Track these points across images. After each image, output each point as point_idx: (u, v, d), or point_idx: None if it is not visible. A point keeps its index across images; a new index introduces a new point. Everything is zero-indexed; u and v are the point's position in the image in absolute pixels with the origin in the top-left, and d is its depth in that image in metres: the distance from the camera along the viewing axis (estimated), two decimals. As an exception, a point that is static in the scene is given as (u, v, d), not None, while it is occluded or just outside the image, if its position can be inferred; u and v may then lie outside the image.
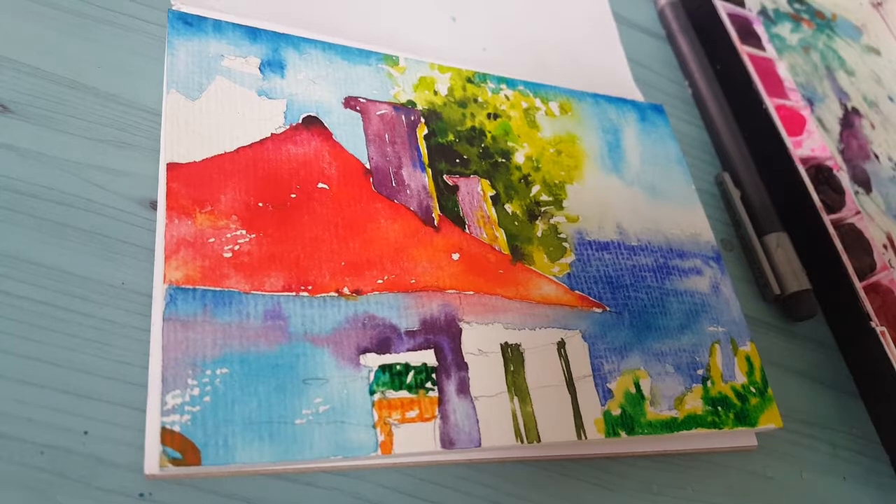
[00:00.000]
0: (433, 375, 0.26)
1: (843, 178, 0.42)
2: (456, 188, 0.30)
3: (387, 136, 0.30)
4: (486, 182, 0.31)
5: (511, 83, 0.35)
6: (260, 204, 0.26)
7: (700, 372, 0.31)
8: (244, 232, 0.25)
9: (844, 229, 0.40)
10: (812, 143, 0.43)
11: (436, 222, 0.29)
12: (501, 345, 0.27)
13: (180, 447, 0.21)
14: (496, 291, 0.29)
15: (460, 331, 0.27)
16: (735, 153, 0.42)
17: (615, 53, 0.43)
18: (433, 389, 0.25)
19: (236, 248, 0.25)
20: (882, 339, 0.36)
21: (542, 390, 0.27)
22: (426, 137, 0.31)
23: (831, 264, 0.39)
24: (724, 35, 0.45)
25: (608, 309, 0.31)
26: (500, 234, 0.30)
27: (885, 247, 0.44)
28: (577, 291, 0.30)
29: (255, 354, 0.23)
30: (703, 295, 0.34)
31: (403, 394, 0.25)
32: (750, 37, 0.46)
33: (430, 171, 0.30)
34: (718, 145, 0.43)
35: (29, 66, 0.27)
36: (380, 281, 0.27)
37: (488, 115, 0.33)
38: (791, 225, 0.40)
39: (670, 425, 0.29)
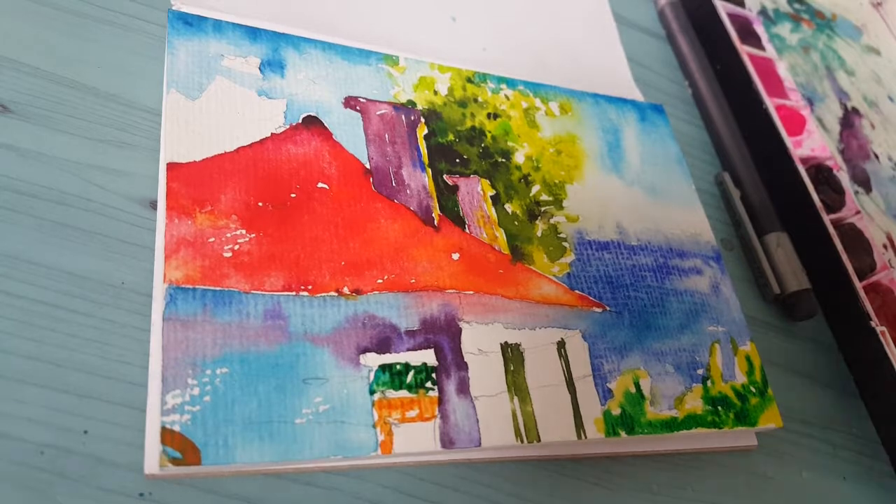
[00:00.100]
0: (433, 375, 0.26)
1: (843, 177, 0.42)
2: (456, 188, 0.30)
3: (387, 135, 0.30)
4: (486, 182, 0.31)
5: (511, 83, 0.35)
6: (260, 204, 0.26)
7: (700, 372, 0.31)
8: (244, 232, 0.25)
9: (844, 229, 0.40)
10: (812, 143, 0.43)
11: (436, 222, 0.29)
12: (501, 344, 0.27)
13: (180, 447, 0.21)
14: (496, 291, 0.29)
15: (460, 330, 0.27)
16: (735, 153, 0.42)
17: (615, 53, 0.43)
18: (433, 389, 0.25)
19: (236, 247, 0.25)
20: (882, 339, 0.36)
21: (542, 390, 0.27)
22: (426, 137, 0.31)
23: (831, 264, 0.39)
24: (724, 35, 0.45)
25: (608, 309, 0.31)
26: (500, 234, 0.30)
27: (885, 247, 0.44)
28: (577, 291, 0.30)
29: (255, 354, 0.23)
30: (703, 295, 0.34)
31: (403, 393, 0.25)
32: (750, 37, 0.46)
33: (430, 170, 0.30)
34: (718, 145, 0.43)
35: (29, 66, 0.27)
36: (380, 281, 0.27)
37: (488, 115, 0.33)
38: (791, 225, 0.40)
39: (670, 425, 0.29)
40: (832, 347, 0.40)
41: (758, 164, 0.42)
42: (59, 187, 0.25)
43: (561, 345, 0.29)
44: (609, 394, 0.28)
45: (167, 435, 0.21)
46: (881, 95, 0.54)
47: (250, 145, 0.27)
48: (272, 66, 0.29)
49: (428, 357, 0.26)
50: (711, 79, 0.44)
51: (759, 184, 0.41)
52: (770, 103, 0.42)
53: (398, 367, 0.25)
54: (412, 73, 0.33)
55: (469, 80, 0.34)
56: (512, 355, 0.27)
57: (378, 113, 0.31)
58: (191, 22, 0.29)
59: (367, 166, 0.29)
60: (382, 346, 0.25)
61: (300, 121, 0.29)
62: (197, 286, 0.23)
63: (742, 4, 0.49)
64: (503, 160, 0.32)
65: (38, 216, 0.24)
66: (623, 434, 0.28)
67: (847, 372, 0.39)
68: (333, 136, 0.29)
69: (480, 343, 0.27)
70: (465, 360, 0.26)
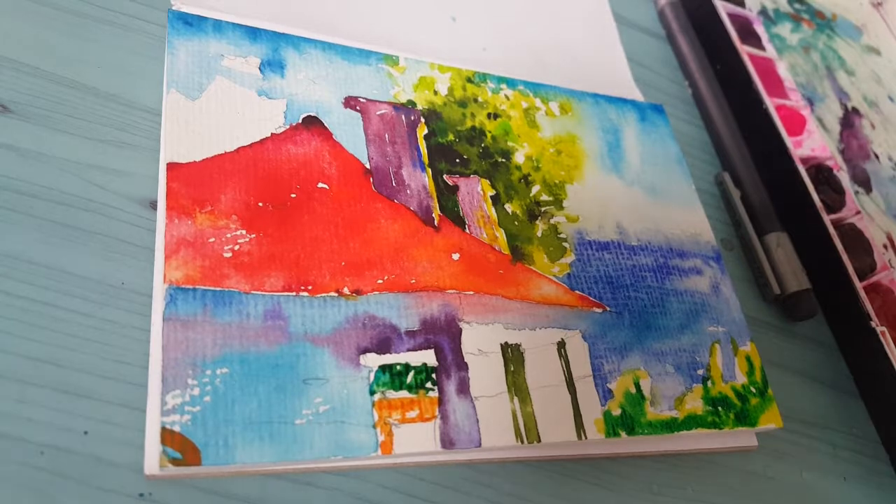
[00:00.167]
0: (433, 375, 0.26)
1: (843, 177, 0.42)
2: (456, 188, 0.30)
3: (387, 135, 0.30)
4: (486, 182, 0.31)
5: (511, 83, 0.35)
6: (260, 204, 0.26)
7: (700, 372, 0.31)
8: (244, 232, 0.25)
9: (844, 229, 0.40)
10: (812, 143, 0.43)
11: (436, 222, 0.29)
12: (501, 345, 0.27)
13: (180, 447, 0.21)
14: (496, 291, 0.29)
15: (460, 331, 0.27)
16: (735, 153, 0.42)
17: (615, 53, 0.43)
18: (433, 389, 0.25)
19: (236, 247, 0.25)
20: (882, 339, 0.36)
21: (542, 390, 0.27)
22: (426, 137, 0.31)
23: (831, 264, 0.39)
24: (724, 35, 0.45)
25: (608, 309, 0.31)
26: (500, 234, 0.30)
27: (885, 247, 0.44)
28: (577, 291, 0.30)
29: (255, 354, 0.23)
30: (703, 295, 0.34)
31: (403, 394, 0.25)
32: (750, 37, 0.46)
33: (430, 170, 0.30)
34: (718, 145, 0.43)
35: (29, 66, 0.27)
36: (380, 281, 0.27)
37: (488, 115, 0.33)
38: (791, 225, 0.40)
39: (670, 425, 0.29)
40: (832, 347, 0.40)
41: (758, 164, 0.42)
42: (59, 187, 0.25)
43: (561, 345, 0.29)
44: (609, 394, 0.28)
45: (167, 435, 0.21)
46: (881, 95, 0.54)
47: (250, 145, 0.27)
48: (272, 66, 0.29)
49: (428, 357, 0.26)
50: (711, 79, 0.44)
51: (759, 184, 0.41)
52: (770, 103, 0.42)
53: (398, 367, 0.25)
54: (412, 73, 0.33)
55: (469, 80, 0.34)
56: (512, 355, 0.27)
57: (378, 113, 0.31)
58: (191, 22, 0.29)
59: (367, 166, 0.29)
60: (382, 347, 0.25)
61: (300, 121, 0.29)
62: (197, 286, 0.23)
63: (742, 4, 0.49)
64: (503, 160, 0.32)
65: (38, 216, 0.24)
66: (623, 434, 0.28)
67: (847, 372, 0.39)
68: (333, 136, 0.29)
69: (480, 343, 0.27)
70: (466, 360, 0.26)
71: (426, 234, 0.29)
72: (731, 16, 0.46)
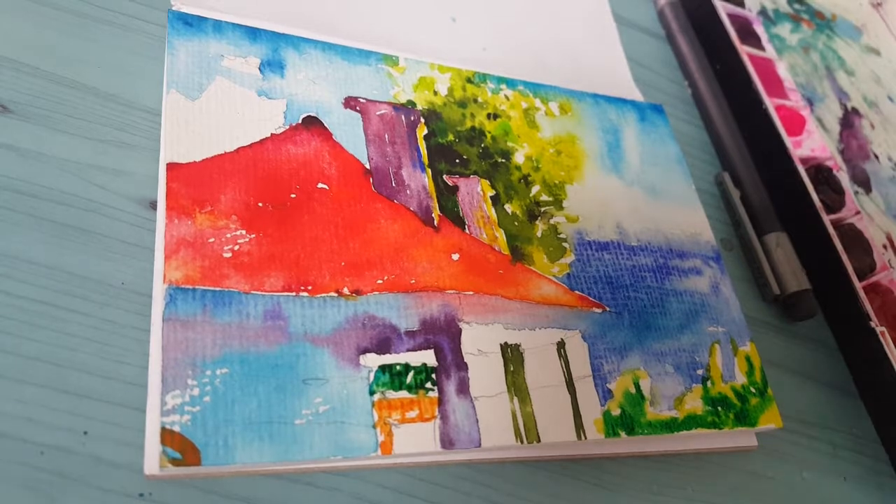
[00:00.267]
0: (433, 375, 0.26)
1: (843, 178, 0.42)
2: (456, 188, 0.30)
3: (387, 136, 0.30)
4: (485, 182, 0.31)
5: (511, 83, 0.35)
6: (260, 204, 0.26)
7: (700, 372, 0.31)
8: (244, 232, 0.25)
9: (844, 229, 0.40)
10: (812, 143, 0.43)
11: (436, 222, 0.29)
12: (501, 345, 0.27)
13: (180, 447, 0.21)
14: (496, 291, 0.29)
15: (460, 331, 0.27)
16: (735, 153, 0.42)
17: (615, 53, 0.43)
18: (433, 389, 0.25)
19: (236, 248, 0.25)
20: (882, 339, 0.36)
21: (541, 390, 0.27)
22: (426, 137, 0.31)
23: (831, 264, 0.39)
24: (723, 35, 0.45)
25: (608, 309, 0.31)
26: (500, 235, 0.30)
27: (884, 247, 0.44)
28: (576, 291, 0.30)
29: (254, 354, 0.23)
30: (702, 295, 0.34)
31: (403, 394, 0.25)
32: (750, 37, 0.46)
33: (429, 171, 0.30)
34: (718, 145, 0.43)
35: (29, 66, 0.27)
36: (380, 281, 0.27)
37: (488, 116, 0.33)
38: (791, 225, 0.40)
39: (670, 425, 0.29)
40: (832, 347, 0.40)
41: (758, 164, 0.42)
42: (59, 187, 0.25)
43: (561, 345, 0.29)
44: (609, 394, 0.28)
45: (167, 435, 0.21)
46: (881, 95, 0.54)
47: (250, 145, 0.27)
48: (272, 66, 0.29)
49: (428, 357, 0.26)
50: (711, 79, 0.44)
51: (759, 184, 0.41)
52: (770, 103, 0.42)
53: (398, 367, 0.25)
54: (412, 74, 0.33)
55: (469, 81, 0.34)
56: (512, 356, 0.27)
57: (378, 113, 0.31)
58: (191, 22, 0.29)
59: (367, 166, 0.29)
60: (382, 347, 0.25)
61: (300, 121, 0.29)
62: (197, 286, 0.23)
63: (742, 4, 0.49)
64: (503, 160, 0.32)
65: (38, 216, 0.24)
66: (623, 434, 0.28)
67: (847, 372, 0.39)
68: (333, 137, 0.29)
69: (480, 343, 0.27)
70: (465, 360, 0.26)
71: (426, 234, 0.29)
72: (731, 16, 0.46)
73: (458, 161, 0.31)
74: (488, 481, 0.26)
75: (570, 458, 0.28)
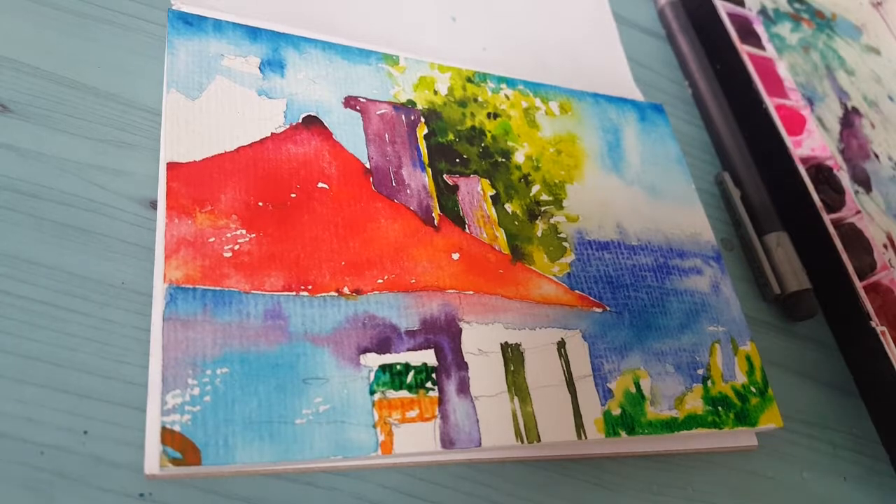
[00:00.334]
0: (433, 375, 0.26)
1: (843, 177, 0.42)
2: (456, 188, 0.30)
3: (387, 135, 0.30)
4: (486, 182, 0.31)
5: (511, 83, 0.35)
6: (260, 203, 0.26)
7: (700, 372, 0.31)
8: (244, 231, 0.25)
9: (844, 229, 0.40)
10: (812, 143, 0.43)
11: (436, 222, 0.29)
12: (501, 344, 0.27)
13: (180, 447, 0.21)
14: (496, 291, 0.29)
15: (460, 330, 0.27)
16: (735, 153, 0.42)
17: (615, 53, 0.43)
18: (433, 389, 0.25)
19: (236, 247, 0.25)
20: (882, 338, 0.36)
21: (542, 390, 0.27)
22: (426, 137, 0.31)
23: (831, 264, 0.39)
24: (724, 35, 0.45)
25: (608, 309, 0.31)
26: (500, 234, 0.30)
27: (885, 246, 0.44)
28: (577, 291, 0.30)
29: (255, 354, 0.23)
30: (703, 294, 0.34)
31: (403, 394, 0.25)
32: (750, 36, 0.46)
33: (430, 170, 0.30)
34: (718, 145, 0.43)
35: (29, 66, 0.27)
36: (380, 281, 0.27)
37: (488, 115, 0.33)
38: (791, 224, 0.40)
39: (670, 425, 0.29)
40: (832, 347, 0.40)
41: (758, 163, 0.42)
42: (59, 187, 0.25)
43: (561, 345, 0.29)
44: (609, 394, 0.28)
45: (167, 435, 0.21)
46: (881, 95, 0.54)
47: (250, 145, 0.27)
48: (272, 65, 0.29)
49: (428, 357, 0.26)
50: (711, 79, 0.44)
51: (759, 184, 0.41)
52: (770, 103, 0.42)
53: (398, 367, 0.25)
54: (412, 73, 0.33)
55: (469, 80, 0.34)
56: (512, 355, 0.27)
57: (378, 113, 0.31)
58: (191, 22, 0.29)
59: (367, 166, 0.29)
60: (382, 347, 0.25)
61: (300, 120, 0.29)
62: (197, 286, 0.23)
63: (742, 4, 0.49)
64: (503, 160, 0.32)
65: (38, 216, 0.24)
66: (623, 434, 0.28)
67: (847, 372, 0.39)
68: (333, 136, 0.29)
69: (480, 343, 0.27)
70: (466, 360, 0.26)
71: (426, 233, 0.29)
72: (731, 15, 0.46)
73: (458, 160, 0.31)
74: (488, 481, 0.26)
75: (571, 458, 0.28)
